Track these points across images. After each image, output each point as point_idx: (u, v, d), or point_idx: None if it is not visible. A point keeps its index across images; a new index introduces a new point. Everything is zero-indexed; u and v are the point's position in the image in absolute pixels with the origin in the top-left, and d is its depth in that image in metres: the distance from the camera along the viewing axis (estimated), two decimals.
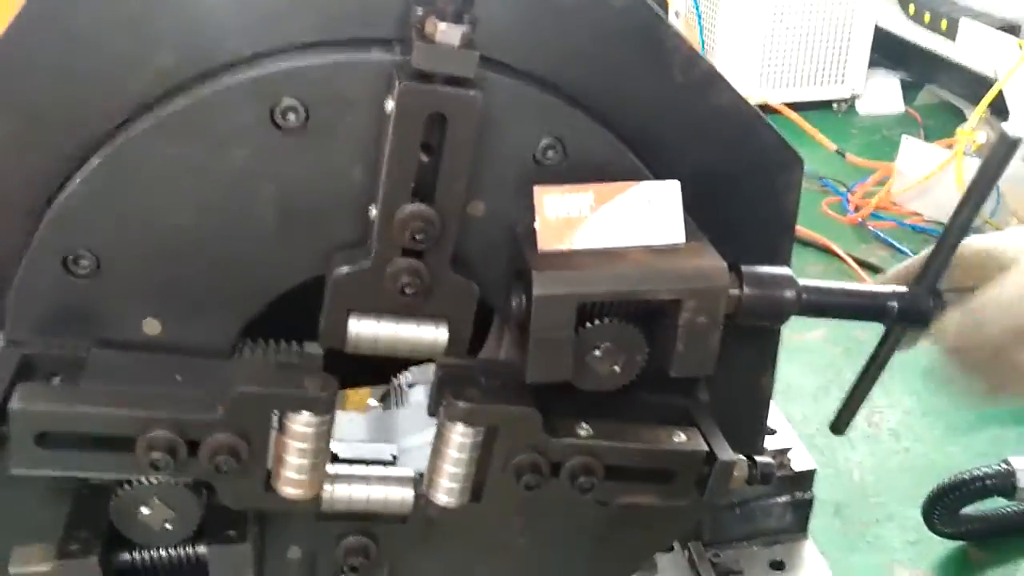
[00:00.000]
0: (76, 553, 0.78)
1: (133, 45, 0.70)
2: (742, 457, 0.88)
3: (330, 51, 0.72)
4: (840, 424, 1.01)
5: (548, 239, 0.77)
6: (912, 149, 4.18)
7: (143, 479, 0.77)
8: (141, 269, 0.76)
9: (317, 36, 0.73)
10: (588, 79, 0.79)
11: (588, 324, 0.77)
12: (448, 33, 0.68)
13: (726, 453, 0.86)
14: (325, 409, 0.76)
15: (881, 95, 5.12)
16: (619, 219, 0.78)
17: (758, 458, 0.90)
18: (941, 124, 4.70)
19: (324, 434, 0.77)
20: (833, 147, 4.65)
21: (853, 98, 5.13)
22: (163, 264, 0.76)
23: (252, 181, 0.74)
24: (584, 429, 0.84)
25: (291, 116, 0.72)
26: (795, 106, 4.87)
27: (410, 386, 1.36)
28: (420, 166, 0.73)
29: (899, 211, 4.01)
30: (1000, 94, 4.15)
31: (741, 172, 0.85)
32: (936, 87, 5.17)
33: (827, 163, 4.61)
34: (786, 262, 0.90)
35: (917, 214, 4.03)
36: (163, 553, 0.83)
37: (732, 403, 0.94)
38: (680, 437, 0.86)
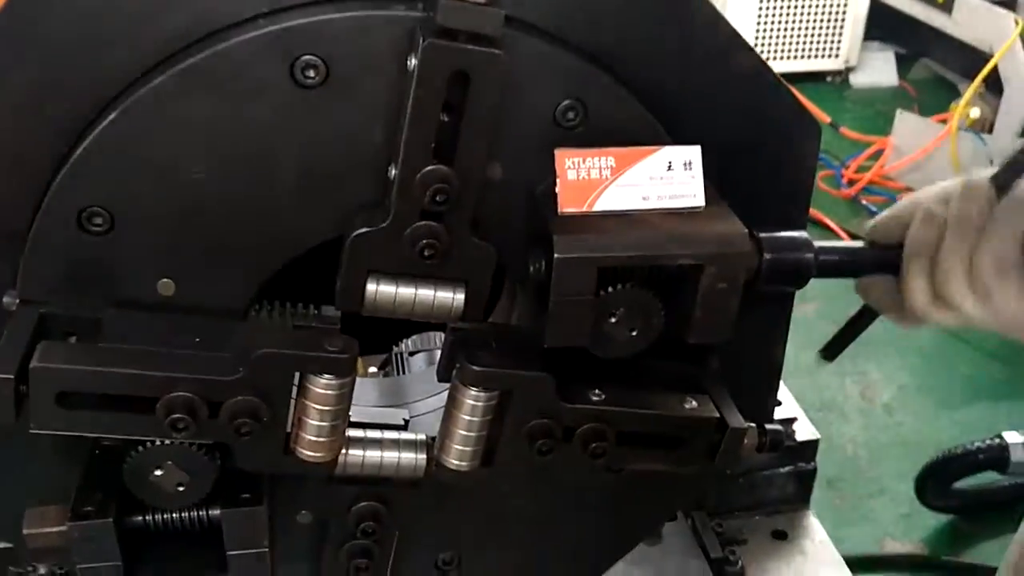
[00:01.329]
0: (91, 514, 0.77)
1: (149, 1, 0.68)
2: (752, 424, 0.88)
3: (352, 5, 0.71)
4: (830, 352, 1.00)
5: (568, 202, 0.76)
6: (907, 124, 4.18)
7: (156, 441, 0.76)
8: (156, 227, 0.75)
9: None
10: (610, 41, 0.77)
11: (607, 289, 0.76)
12: None
13: (737, 420, 0.86)
14: (347, 371, 0.75)
15: (876, 68, 5.11)
16: (640, 183, 0.78)
17: (768, 425, 0.90)
18: (935, 98, 4.69)
19: (345, 396, 0.77)
20: (827, 120, 4.65)
21: (847, 71, 5.12)
22: (178, 223, 0.75)
23: (270, 138, 0.73)
24: (597, 395, 0.84)
25: (311, 72, 0.71)
26: (789, 78, 4.86)
27: (411, 354, 1.36)
28: (441, 126, 0.72)
29: (892, 185, 4.03)
30: (995, 69, 4.15)
31: (762, 138, 0.84)
32: (931, 61, 5.16)
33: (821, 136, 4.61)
34: (802, 227, 0.89)
35: (910, 189, 4.04)
36: (176, 515, 0.82)
37: (746, 372, 0.94)
38: (691, 404, 0.86)
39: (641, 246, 0.75)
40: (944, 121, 4.09)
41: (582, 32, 0.76)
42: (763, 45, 4.95)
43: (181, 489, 0.79)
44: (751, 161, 0.84)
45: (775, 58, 4.94)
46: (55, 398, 0.70)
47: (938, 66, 5.13)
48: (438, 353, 1.17)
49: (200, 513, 0.82)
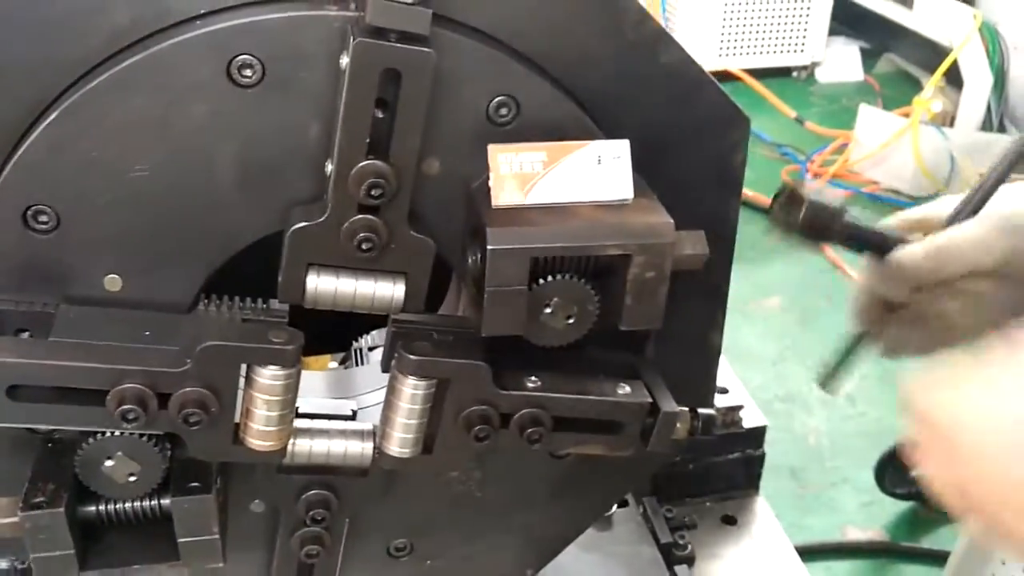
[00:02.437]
0: (42, 504, 0.79)
1: (89, 1, 0.71)
2: (684, 409, 0.91)
3: (286, 7, 0.73)
4: (829, 383, 1.03)
5: (502, 196, 0.79)
6: (870, 118, 4.24)
7: (108, 432, 0.79)
8: (100, 224, 0.77)
9: None
10: (540, 37, 0.80)
11: (541, 280, 0.79)
12: None
13: (669, 405, 0.89)
14: (292, 362, 0.78)
15: (841, 63, 5.17)
16: (571, 177, 0.81)
17: (700, 410, 0.94)
18: (899, 92, 4.76)
19: (291, 387, 0.79)
20: (792, 115, 4.70)
21: (813, 66, 5.18)
22: (122, 219, 0.77)
23: (210, 136, 0.75)
24: (533, 382, 0.86)
25: (248, 72, 0.73)
26: (755, 73, 4.91)
27: (371, 349, 1.38)
28: (375, 122, 0.75)
29: (857, 179, 4.09)
30: (955, 63, 4.22)
31: (689, 130, 0.87)
32: (895, 55, 5.23)
33: (787, 131, 4.66)
34: (734, 220, 0.93)
35: (874, 182, 4.11)
36: (128, 505, 0.84)
37: (683, 359, 0.97)
38: (625, 389, 0.89)
39: (571, 237, 0.78)
40: (907, 115, 4.16)
41: (511, 29, 0.79)
42: (729, 41, 5.00)
43: (132, 479, 0.81)
44: (681, 153, 0.87)
45: (741, 54, 4.98)
46: (6, 391, 0.72)
47: (901, 60, 5.20)
48: None
49: (152, 502, 0.84)
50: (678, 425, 0.90)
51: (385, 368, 0.88)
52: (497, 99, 0.80)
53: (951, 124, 4.25)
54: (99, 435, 0.79)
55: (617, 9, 0.81)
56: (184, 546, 0.84)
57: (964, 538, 2.01)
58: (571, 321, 0.82)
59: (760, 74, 5.03)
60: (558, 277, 0.80)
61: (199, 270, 0.81)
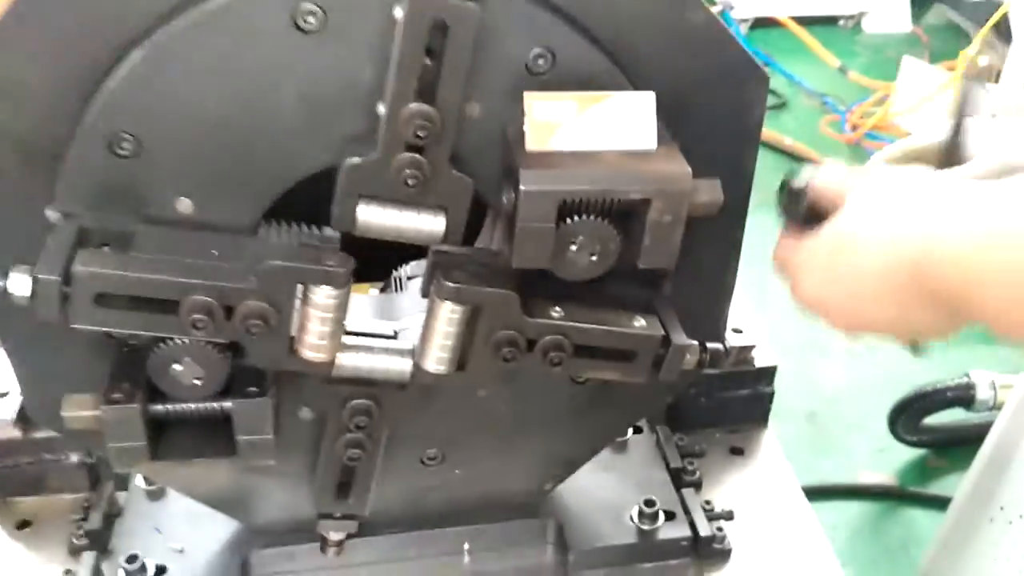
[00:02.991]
0: (120, 400, 0.90)
1: None
2: (694, 342, 1.00)
3: None
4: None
5: (535, 141, 0.86)
6: (912, 70, 4.20)
7: (177, 339, 0.89)
8: (176, 152, 0.86)
9: None
10: None
11: (568, 220, 0.87)
12: None
13: (680, 338, 0.97)
14: (343, 283, 0.87)
15: (889, 13, 5.08)
16: (599, 125, 0.88)
17: (709, 344, 1.02)
18: (947, 45, 4.69)
19: (342, 306, 0.89)
20: (836, 64, 4.66)
21: (860, 15, 5.10)
22: (195, 148, 0.86)
23: (275, 76, 0.84)
24: (557, 312, 0.95)
25: (310, 19, 0.81)
26: (801, 21, 4.86)
27: (410, 278, 1.47)
28: (423, 69, 0.83)
29: (896, 132, 4.07)
30: (1005, 18, 4.15)
31: (711, 86, 0.93)
32: (946, 7, 5.12)
33: (829, 80, 4.63)
34: (751, 170, 1.00)
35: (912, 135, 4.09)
36: (193, 407, 0.95)
37: (698, 298, 1.05)
38: (641, 322, 0.97)
39: (596, 181, 0.86)
40: (952, 69, 4.11)
41: None
42: None
43: (197, 382, 0.92)
44: (702, 107, 0.94)
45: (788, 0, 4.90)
46: (93, 299, 0.82)
47: (952, 12, 5.10)
48: None
49: (213, 405, 0.95)
50: (688, 356, 0.98)
51: (424, 294, 0.98)
52: (535, 51, 0.87)
53: (997, 80, 4.19)
54: (170, 341, 0.89)
55: None
56: (242, 443, 0.94)
57: (966, 485, 2.09)
58: (594, 258, 0.90)
59: (806, 22, 4.98)
60: (584, 217, 0.88)
61: (262, 196, 0.90)
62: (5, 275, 0.82)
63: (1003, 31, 4.13)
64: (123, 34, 0.82)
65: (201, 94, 0.84)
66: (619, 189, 0.86)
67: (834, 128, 4.29)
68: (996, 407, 2.46)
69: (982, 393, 2.53)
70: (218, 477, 1.13)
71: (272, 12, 0.81)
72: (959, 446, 2.66)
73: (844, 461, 2.76)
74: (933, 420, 2.67)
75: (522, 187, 0.84)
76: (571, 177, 0.86)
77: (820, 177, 0.95)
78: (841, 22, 5.13)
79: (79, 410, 0.93)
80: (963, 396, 2.57)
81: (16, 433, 1.28)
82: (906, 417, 2.64)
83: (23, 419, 1.27)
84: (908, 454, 2.78)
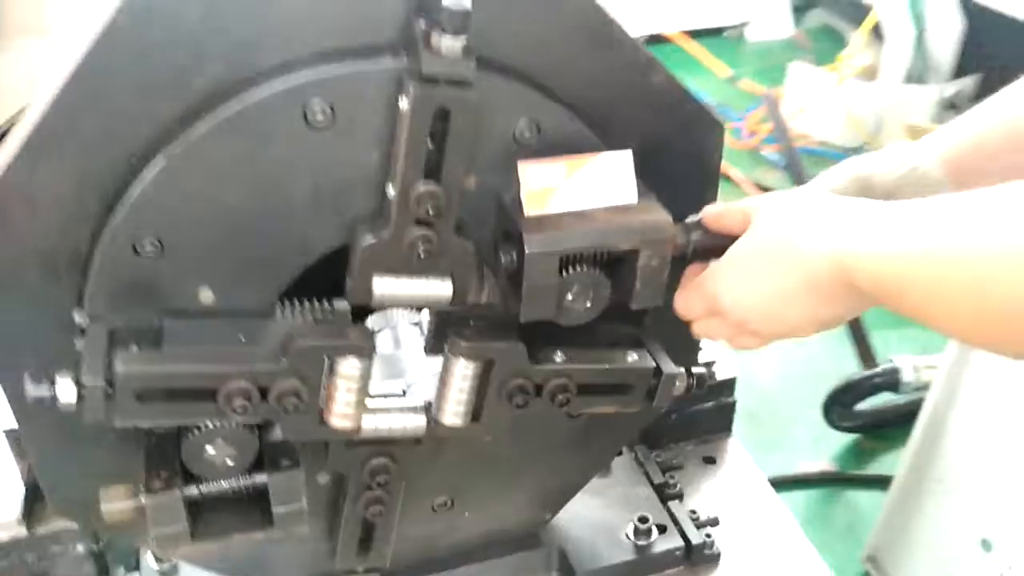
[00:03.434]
0: (161, 488, 0.93)
1: (191, 59, 0.84)
2: (681, 369, 1.09)
3: (349, 58, 0.87)
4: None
5: (532, 206, 0.95)
6: (799, 74, 4.44)
7: (209, 423, 0.93)
8: (197, 247, 0.90)
9: (334, 43, 0.88)
10: (556, 70, 0.95)
11: (566, 272, 0.96)
12: (451, 46, 0.84)
13: (669, 367, 1.07)
14: (368, 354, 0.93)
15: (771, 20, 5.32)
16: (585, 185, 0.97)
17: (694, 369, 1.12)
18: (829, 48, 4.96)
19: (366, 374, 0.95)
20: (727, 73, 4.88)
21: (743, 24, 5.33)
22: (216, 242, 0.91)
23: (290, 169, 0.89)
24: (559, 356, 1.03)
25: (320, 116, 0.88)
26: (689, 34, 5.05)
27: (378, 331, 1.53)
28: (427, 151, 0.90)
29: (790, 135, 4.30)
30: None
31: (675, 138, 1.04)
32: (822, 10, 5.39)
33: (722, 90, 4.84)
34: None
35: (806, 136, 4.32)
36: (224, 484, 0.99)
37: (673, 328, 1.15)
38: (633, 357, 1.06)
39: (591, 237, 0.94)
40: (836, 71, 4.36)
41: (533, 65, 0.94)
42: (660, 3, 5.04)
43: (230, 462, 0.96)
44: (669, 157, 1.04)
45: (674, 15, 5.07)
46: (135, 396, 0.86)
47: (829, 16, 5.37)
48: (400, 328, 1.36)
49: (245, 481, 0.99)
50: (677, 383, 1.08)
51: (430, 352, 1.04)
52: (522, 123, 0.95)
53: (875, 77, 4.44)
54: (203, 426, 0.94)
55: (616, 45, 0.96)
56: (279, 515, 0.99)
57: (905, 464, 2.25)
58: (588, 304, 0.99)
59: (694, 35, 5.17)
60: (579, 269, 0.96)
61: (280, 280, 0.95)
62: (40, 381, 0.86)
63: (878, 31, 4.39)
64: (145, 140, 0.86)
65: (220, 192, 0.89)
66: (611, 242, 0.95)
67: (733, 136, 4.48)
68: (921, 388, 2.64)
69: (907, 376, 2.72)
70: (236, 547, 1.17)
71: (284, 112, 0.87)
72: (890, 427, 2.84)
73: (785, 454, 2.91)
74: (864, 405, 2.85)
75: (527, 250, 0.92)
76: (568, 237, 0.94)
77: (710, 209, 1.03)
78: (726, 33, 5.34)
79: (117, 502, 0.97)
80: (890, 380, 2.75)
81: (22, 531, 1.29)
82: (839, 406, 2.81)
83: (28, 515, 1.29)
84: (842, 439, 2.95)
